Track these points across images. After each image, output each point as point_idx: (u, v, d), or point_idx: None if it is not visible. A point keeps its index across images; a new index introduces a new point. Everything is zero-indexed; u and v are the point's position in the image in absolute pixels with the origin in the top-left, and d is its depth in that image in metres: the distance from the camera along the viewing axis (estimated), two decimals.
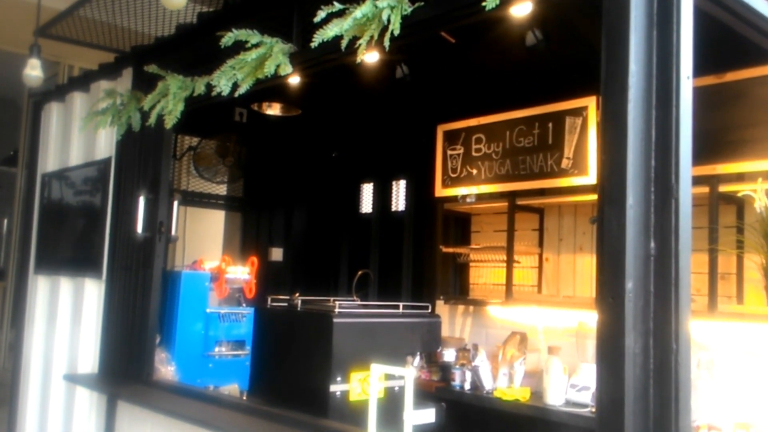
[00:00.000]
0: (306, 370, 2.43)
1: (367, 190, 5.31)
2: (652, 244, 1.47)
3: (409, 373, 1.73)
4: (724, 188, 3.16)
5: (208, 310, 3.30)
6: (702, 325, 3.30)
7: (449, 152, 4.31)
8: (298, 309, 2.54)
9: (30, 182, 4.31)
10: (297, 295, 2.65)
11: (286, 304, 2.63)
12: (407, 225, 4.83)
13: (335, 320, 2.37)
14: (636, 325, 1.44)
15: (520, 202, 3.98)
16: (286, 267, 5.23)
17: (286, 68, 2.19)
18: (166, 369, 3.17)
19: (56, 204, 4.02)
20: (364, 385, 2.41)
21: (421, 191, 4.69)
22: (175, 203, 3.10)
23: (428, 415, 2.66)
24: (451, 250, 4.34)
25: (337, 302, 2.42)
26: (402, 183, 5.02)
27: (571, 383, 3.61)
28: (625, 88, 1.43)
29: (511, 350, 3.88)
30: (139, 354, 3.04)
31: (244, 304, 3.40)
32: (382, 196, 5.14)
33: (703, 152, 3.12)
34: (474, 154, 4.16)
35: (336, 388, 2.33)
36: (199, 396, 2.72)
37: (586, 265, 3.89)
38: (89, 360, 3.51)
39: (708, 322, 3.21)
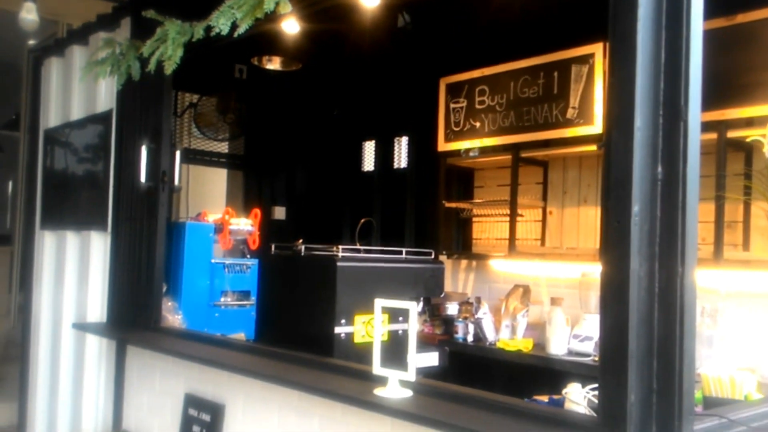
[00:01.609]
0: (311, 314, 2.45)
1: (369, 148, 5.29)
2: (660, 169, 1.46)
3: (413, 307, 1.74)
4: (732, 134, 3.13)
5: (213, 261, 3.32)
6: (708, 273, 3.30)
7: (452, 105, 4.27)
8: (302, 255, 2.55)
9: (33, 139, 4.30)
10: (300, 241, 2.65)
11: (289, 251, 2.64)
12: (410, 182, 4.81)
13: (339, 264, 2.38)
14: (641, 248, 1.44)
15: (525, 154, 3.96)
16: (288, 226, 5.23)
17: (286, 6, 2.16)
18: (174, 317, 3.20)
19: (59, 159, 4.01)
20: (368, 327, 2.43)
21: (423, 147, 4.67)
22: (177, 153, 3.09)
23: (432, 358, 2.69)
24: (453, 205, 4.33)
25: (340, 247, 2.42)
26: (404, 140, 4.99)
27: (574, 334, 3.64)
28: (634, 7, 1.40)
29: (513, 303, 3.90)
30: (147, 302, 3.07)
31: (248, 256, 3.42)
32: (384, 154, 5.12)
33: (712, 97, 3.08)
34: (477, 106, 4.12)
35: (341, 330, 2.35)
36: (207, 340, 2.75)
37: (590, 217, 3.88)
38: (97, 311, 3.54)
39: (714, 270, 3.22)
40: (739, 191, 3.23)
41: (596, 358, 3.44)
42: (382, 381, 1.85)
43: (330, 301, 2.34)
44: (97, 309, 3.55)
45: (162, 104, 3.01)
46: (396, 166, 5.03)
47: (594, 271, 3.67)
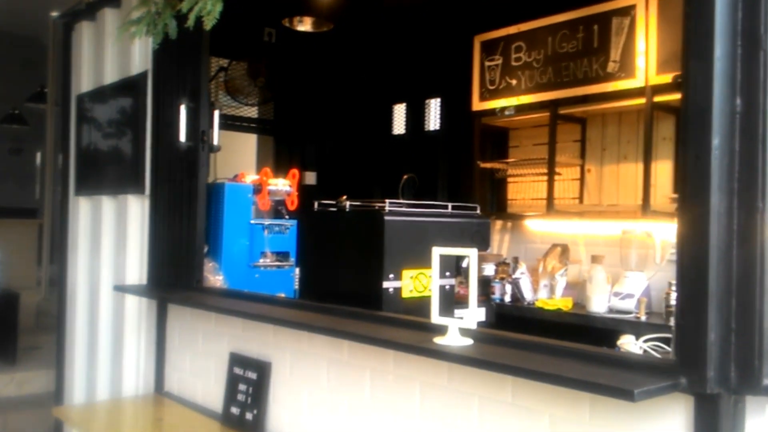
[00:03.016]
0: (358, 270, 2.43)
1: (400, 111, 5.22)
2: (738, 101, 1.39)
3: (473, 253, 1.71)
4: None
5: (252, 222, 3.31)
6: None
7: (487, 63, 4.18)
8: (348, 210, 2.53)
9: (65, 106, 4.29)
10: (344, 197, 2.63)
11: (334, 207, 2.61)
12: (442, 143, 4.76)
13: (386, 218, 2.34)
14: (721, 184, 1.38)
15: (562, 111, 3.88)
16: (319, 191, 5.21)
17: None
18: (215, 278, 3.20)
19: (93, 124, 4.01)
20: (416, 282, 2.41)
21: (456, 108, 4.60)
22: (216, 112, 3.06)
23: (480, 313, 2.67)
24: (488, 165, 4.28)
25: (387, 201, 2.39)
26: (436, 101, 4.92)
27: (615, 291, 3.60)
28: None
29: (552, 262, 3.86)
30: (188, 263, 3.07)
31: (287, 216, 3.40)
32: (416, 116, 5.05)
33: None
34: (513, 63, 4.04)
35: (389, 284, 2.33)
36: (251, 297, 2.75)
37: (630, 174, 3.81)
38: (135, 275, 3.56)
39: None
40: None
41: (639, 315, 3.41)
42: (440, 330, 1.83)
43: (378, 256, 2.32)
44: (136, 273, 3.57)
45: (200, 63, 2.97)
46: (427, 128, 4.97)
47: (635, 228, 3.62)
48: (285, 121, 5.27)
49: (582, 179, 4.01)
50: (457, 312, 2.59)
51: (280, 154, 5.34)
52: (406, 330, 1.96)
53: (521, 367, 1.46)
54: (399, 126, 5.21)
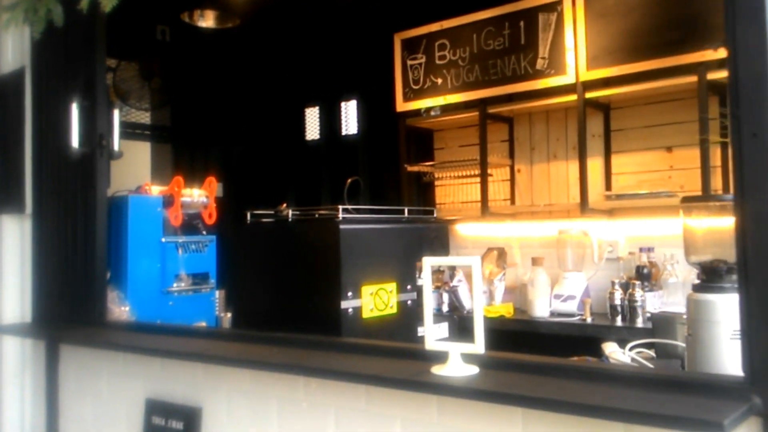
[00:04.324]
0: (309, 290, 2.08)
1: (312, 115, 4.88)
2: None
3: (476, 263, 1.43)
4: (711, 76, 3.02)
5: (163, 240, 2.85)
6: None
7: (409, 62, 3.95)
8: (290, 220, 2.17)
9: None
10: (284, 205, 2.27)
11: (272, 217, 2.25)
12: (362, 148, 4.47)
13: (342, 227, 2.01)
14: None
15: (491, 110, 3.72)
16: (228, 203, 4.75)
17: None
18: (120, 310, 2.71)
19: None
20: (377, 299, 2.10)
21: (376, 109, 4.34)
22: (116, 112, 2.59)
23: (442, 329, 2.41)
24: (416, 168, 4.04)
25: (340, 207, 2.06)
26: (351, 103, 4.63)
27: (555, 294, 3.47)
28: None
29: (489, 267, 3.69)
30: (87, 293, 2.56)
31: (204, 232, 2.97)
32: (330, 120, 4.73)
33: (692, 38, 2.97)
34: (438, 62, 3.83)
35: (348, 304, 2.00)
36: (172, 330, 2.32)
37: (561, 172, 3.71)
38: (15, 311, 2.97)
39: None
40: (715, 136, 3.14)
41: (585, 317, 3.30)
42: (433, 358, 1.53)
43: (334, 272, 1.98)
44: (16, 309, 2.98)
45: (96, 52, 2.49)
46: (344, 132, 4.66)
47: (571, 227, 3.51)
48: (185, 127, 4.76)
49: (512, 180, 3.87)
50: (421, 330, 2.31)
51: (179, 163, 4.81)
52: (386, 359, 1.65)
53: (564, 400, 1.19)
54: (312, 131, 4.86)
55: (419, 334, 2.27)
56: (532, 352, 1.87)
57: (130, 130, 4.49)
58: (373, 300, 2.09)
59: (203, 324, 2.84)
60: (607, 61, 3.20)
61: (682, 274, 3.16)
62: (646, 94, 3.29)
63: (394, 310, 2.15)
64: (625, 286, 3.22)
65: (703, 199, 1.68)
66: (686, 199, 1.64)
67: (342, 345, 1.81)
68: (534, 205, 3.71)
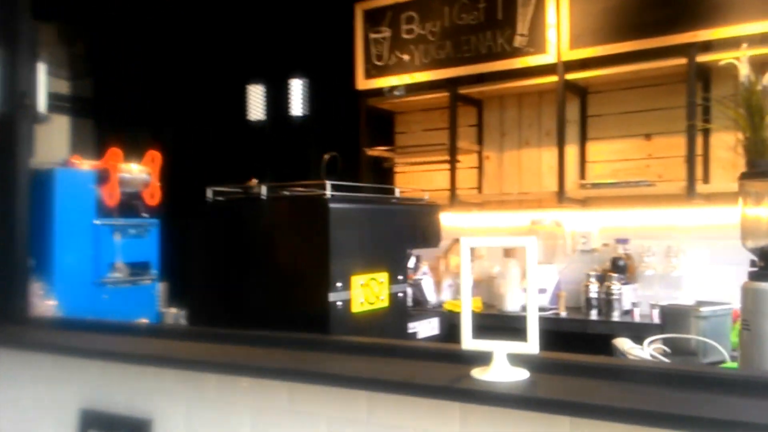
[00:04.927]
0: (291, 280, 1.75)
1: (256, 93, 4.49)
2: None
3: (531, 244, 1.16)
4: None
5: (96, 223, 2.42)
6: (673, 211, 3.10)
7: (372, 36, 3.65)
8: (265, 198, 1.83)
9: None
10: (254, 181, 1.93)
11: (242, 194, 1.90)
12: (313, 130, 4.13)
13: (332, 205, 1.70)
14: None
15: (463, 91, 3.48)
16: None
17: None
18: (45, 304, 2.26)
19: None
20: (367, 291, 1.80)
21: (330, 88, 4.00)
22: (42, 66, 2.15)
23: (432, 325, 2.13)
24: (376, 153, 3.74)
25: (328, 183, 1.74)
26: (302, 81, 4.27)
27: (525, 287, 3.26)
28: None
29: (455, 259, 3.44)
30: (5, 284, 2.11)
31: (145, 214, 2.57)
32: (277, 99, 4.36)
33: (681, 17, 2.83)
34: (405, 36, 3.55)
35: (336, 297, 1.69)
36: (114, 327, 1.92)
37: (533, 160, 3.52)
38: None
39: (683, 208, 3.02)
40: (699, 122, 3.03)
41: (559, 311, 3.11)
42: (470, 360, 1.25)
43: (321, 259, 1.66)
44: None
45: None
46: (293, 112, 4.30)
47: (544, 218, 3.33)
48: (111, 102, 4.25)
49: (480, 167, 3.65)
50: (412, 326, 2.02)
51: (103, 141, 4.27)
52: (405, 361, 1.36)
53: (675, 413, 0.94)
54: (257, 110, 4.47)
55: (410, 330, 1.99)
56: None
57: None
58: (364, 292, 1.79)
59: (144, 320, 2.43)
60: (592, 40, 3.02)
61: (659, 267, 3.03)
62: (625, 78, 3.14)
63: (386, 303, 1.86)
64: (601, 279, 3.06)
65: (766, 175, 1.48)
66: (746, 176, 1.43)
67: (346, 345, 1.49)
68: (504, 193, 3.50)
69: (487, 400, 1.16)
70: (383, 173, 3.87)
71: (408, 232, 1.98)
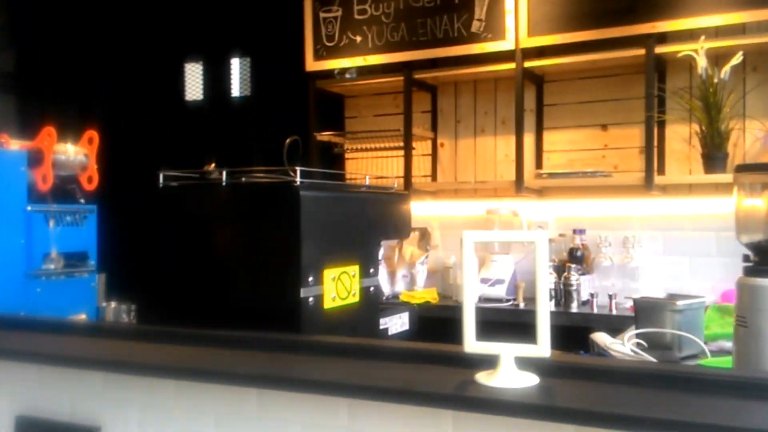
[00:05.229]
0: (257, 274, 1.60)
1: (194, 71, 4.24)
2: None
3: (541, 237, 1.08)
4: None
5: (28, 209, 2.19)
6: (627, 202, 3.12)
7: (322, 15, 3.49)
8: (226, 184, 1.67)
9: None
10: (212, 165, 1.76)
11: (199, 179, 1.73)
12: (257, 112, 3.93)
13: (303, 193, 1.56)
14: None
15: (418, 76, 3.38)
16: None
17: None
18: None
19: None
20: (339, 286, 1.67)
21: (276, 68, 3.82)
22: None
23: (402, 321, 2.03)
24: (326, 138, 3.60)
25: (298, 169, 1.60)
26: (244, 61, 4.06)
27: (482, 278, 3.23)
28: None
29: (410, 249, 3.36)
30: None
31: (82, 200, 2.34)
32: (216, 78, 4.13)
33: (640, 7, 2.83)
34: (357, 17, 3.41)
35: (308, 292, 1.56)
36: (55, 326, 1.73)
37: (489, 148, 3.47)
38: None
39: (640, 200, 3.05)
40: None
41: (517, 302, 3.09)
42: (470, 363, 1.17)
43: (292, 251, 1.53)
44: None
45: None
46: (235, 93, 4.08)
47: (500, 207, 3.29)
48: (36, 77, 3.90)
49: (434, 155, 3.57)
50: (383, 322, 1.91)
51: (27, 121, 3.94)
52: (398, 364, 1.25)
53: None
54: (194, 90, 4.22)
55: (381, 327, 1.89)
56: (457, 340, 1.59)
57: None
58: (336, 286, 1.67)
59: (82, 316, 2.22)
60: (551, 28, 2.98)
61: (615, 257, 3.05)
62: (582, 67, 3.13)
63: (357, 299, 1.74)
64: (559, 270, 3.05)
65: (763, 168, 1.45)
66: (741, 168, 1.40)
67: (323, 346, 1.37)
68: (461, 182, 3.44)
69: (496, 409, 1.06)
70: (333, 159, 3.72)
71: (380, 222, 1.87)
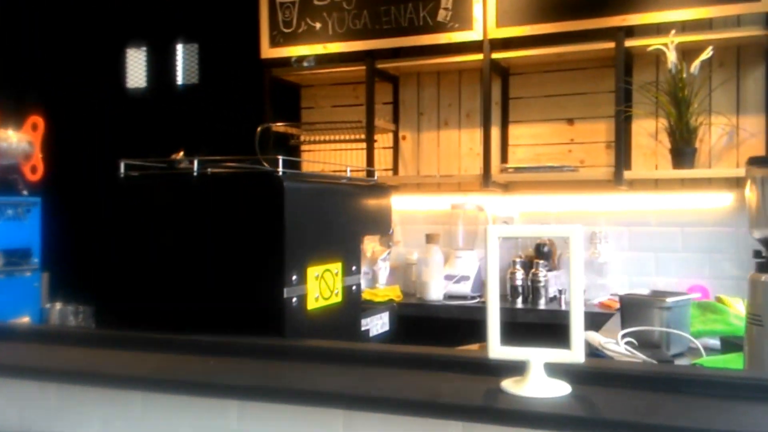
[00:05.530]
0: (235, 273, 1.45)
1: (136, 58, 3.97)
2: None
3: (575, 233, 0.99)
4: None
5: None
6: (595, 197, 3.11)
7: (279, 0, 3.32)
8: (200, 174, 1.50)
9: None
10: (181, 153, 1.59)
11: (166, 169, 1.55)
12: (205, 101, 3.72)
13: (287, 184, 1.42)
14: None
15: (380, 66, 3.26)
16: None
17: None
18: None
19: None
20: (322, 285, 1.54)
21: (226, 55, 3.62)
22: None
23: (382, 321, 1.91)
24: (282, 129, 3.43)
25: (280, 158, 1.46)
26: (191, 46, 3.83)
27: (447, 274, 3.15)
28: None
29: (371, 245, 3.25)
30: None
31: (24, 192, 2.11)
32: (161, 65, 3.89)
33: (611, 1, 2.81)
34: (317, 2, 3.26)
35: (292, 292, 1.42)
36: (3, 332, 1.52)
37: (453, 141, 3.39)
38: None
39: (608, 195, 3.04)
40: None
41: (484, 299, 3.02)
42: (492, 370, 1.07)
43: (274, 248, 1.39)
44: None
45: None
46: (182, 81, 3.85)
47: (464, 201, 3.23)
48: None
49: (396, 148, 3.46)
50: (364, 323, 1.79)
51: None
52: (400, 371, 1.14)
53: None
54: (137, 77, 3.96)
55: (363, 328, 1.77)
56: (433, 339, 1.52)
57: None
58: (319, 285, 1.53)
59: (25, 319, 2.00)
60: (520, 19, 2.92)
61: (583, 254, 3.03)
62: (548, 60, 3.09)
63: (339, 299, 1.61)
64: (526, 266, 3.00)
65: None
66: (754, 161, 1.36)
67: (315, 352, 1.24)
68: (424, 176, 3.35)
69: (529, 422, 0.96)
70: (289, 151, 3.56)
71: (362, 216, 1.74)
